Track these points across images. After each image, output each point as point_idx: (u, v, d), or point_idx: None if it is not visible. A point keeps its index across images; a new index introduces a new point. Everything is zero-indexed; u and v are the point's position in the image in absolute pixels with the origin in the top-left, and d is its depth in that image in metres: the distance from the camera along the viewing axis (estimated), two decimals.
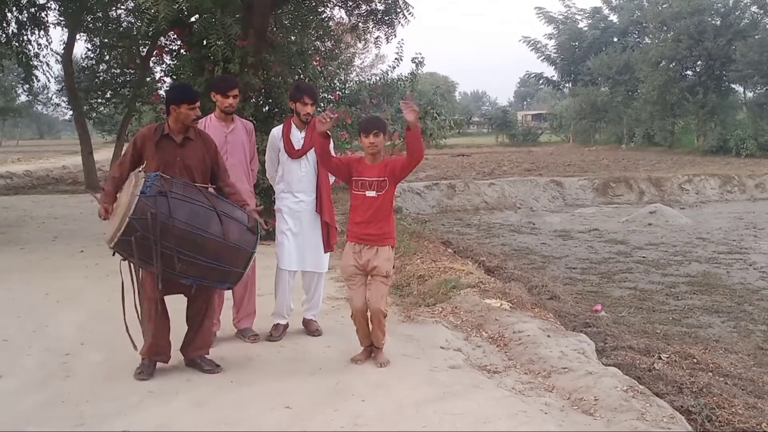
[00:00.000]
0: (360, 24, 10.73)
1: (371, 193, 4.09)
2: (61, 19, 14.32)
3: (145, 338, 3.93)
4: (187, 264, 3.67)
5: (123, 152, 4.00)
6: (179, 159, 3.88)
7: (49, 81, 22.08)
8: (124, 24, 13.96)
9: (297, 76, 9.12)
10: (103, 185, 4.02)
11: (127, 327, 3.87)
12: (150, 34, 9.74)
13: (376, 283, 4.12)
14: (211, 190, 3.99)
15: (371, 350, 4.25)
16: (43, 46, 14.55)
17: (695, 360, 5.01)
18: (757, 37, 30.35)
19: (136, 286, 3.85)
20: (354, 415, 3.40)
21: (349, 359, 4.24)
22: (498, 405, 3.53)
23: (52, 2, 13.66)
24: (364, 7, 10.20)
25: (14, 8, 12.71)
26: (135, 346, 3.91)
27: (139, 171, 3.72)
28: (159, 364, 4.00)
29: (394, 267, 4.49)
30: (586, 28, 44.05)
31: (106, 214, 3.80)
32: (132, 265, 3.82)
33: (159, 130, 3.91)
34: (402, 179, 4.31)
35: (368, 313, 4.14)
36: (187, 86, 4.37)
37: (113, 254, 3.76)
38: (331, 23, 11.11)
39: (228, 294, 4.66)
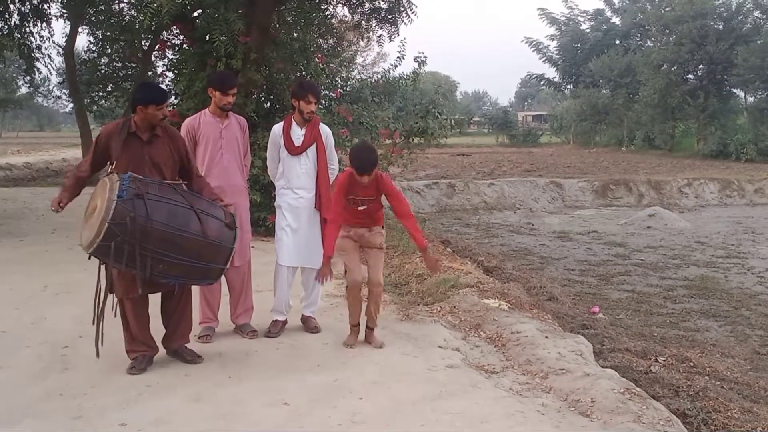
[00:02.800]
0: (363, 22, 10.75)
1: (362, 207, 4.36)
2: (64, 11, 14.29)
3: (125, 338, 3.94)
4: (169, 265, 3.64)
5: (89, 150, 3.93)
6: (147, 157, 3.83)
7: (50, 73, 22.12)
8: (127, 17, 13.95)
9: (299, 73, 9.12)
10: (65, 179, 3.95)
11: (96, 332, 3.82)
12: (153, 28, 9.74)
13: (373, 255, 4.41)
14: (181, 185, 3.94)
15: (358, 331, 4.46)
16: (45, 38, 14.55)
17: (692, 363, 5.04)
18: (759, 41, 30.32)
19: (102, 288, 3.82)
20: (351, 413, 3.41)
21: (346, 354, 4.25)
22: (495, 405, 3.54)
23: None
24: (367, 5, 10.23)
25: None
26: (98, 353, 3.83)
27: (112, 174, 3.64)
28: (156, 360, 4.01)
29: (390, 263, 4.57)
30: (588, 30, 43.97)
31: (57, 206, 3.75)
32: (105, 267, 3.77)
33: (125, 128, 3.82)
34: None
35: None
36: (156, 87, 4.30)
37: (89, 258, 3.70)
38: (334, 21, 11.12)
39: (225, 290, 4.67)
